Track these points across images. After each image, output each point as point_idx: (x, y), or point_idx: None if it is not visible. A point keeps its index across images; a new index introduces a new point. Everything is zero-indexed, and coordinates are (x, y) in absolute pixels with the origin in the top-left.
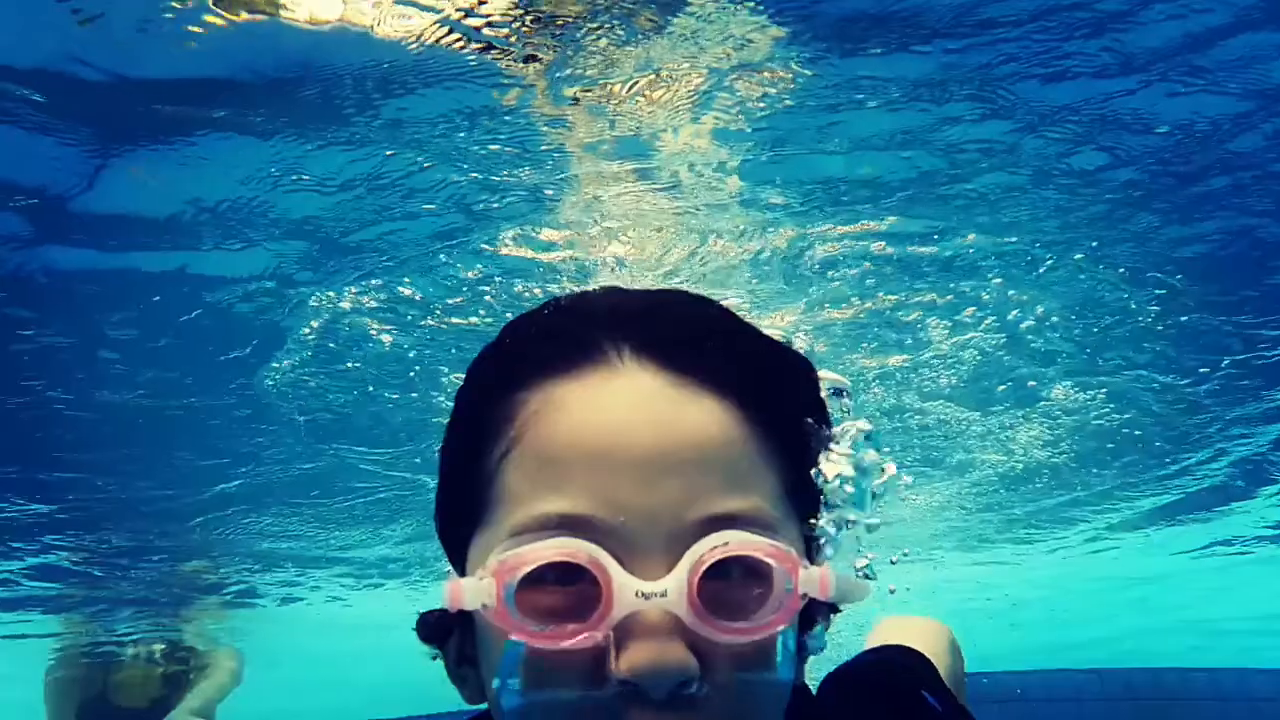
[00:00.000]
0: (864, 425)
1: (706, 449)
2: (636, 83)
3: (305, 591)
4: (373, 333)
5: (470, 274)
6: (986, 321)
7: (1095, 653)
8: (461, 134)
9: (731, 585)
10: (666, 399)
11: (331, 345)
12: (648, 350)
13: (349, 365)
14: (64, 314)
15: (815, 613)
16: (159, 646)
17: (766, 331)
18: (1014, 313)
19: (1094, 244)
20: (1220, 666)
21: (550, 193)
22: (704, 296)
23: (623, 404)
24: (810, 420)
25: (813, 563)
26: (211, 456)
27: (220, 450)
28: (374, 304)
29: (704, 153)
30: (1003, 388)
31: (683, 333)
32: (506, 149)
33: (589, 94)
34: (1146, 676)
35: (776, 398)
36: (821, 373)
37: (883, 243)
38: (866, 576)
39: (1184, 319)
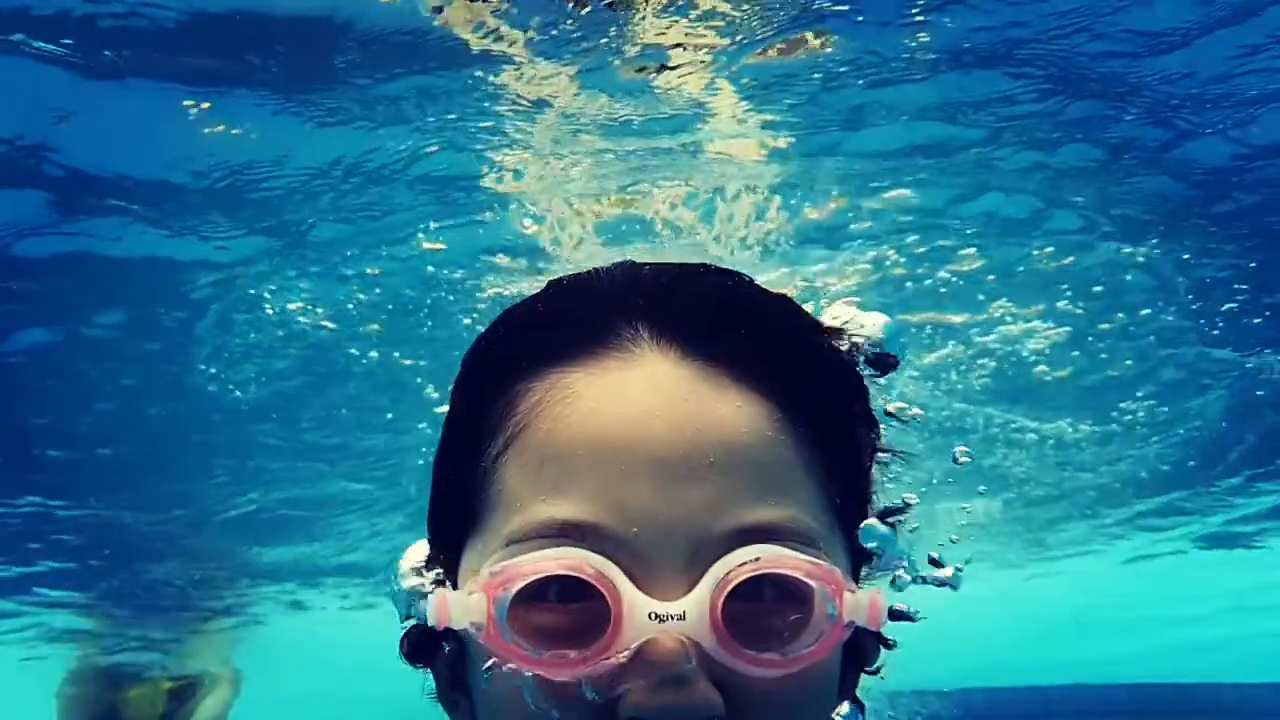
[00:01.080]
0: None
1: (736, 449)
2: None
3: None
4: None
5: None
6: None
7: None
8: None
9: (763, 609)
10: (690, 390)
11: None
12: (669, 332)
13: None
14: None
15: (862, 646)
16: (163, 664)
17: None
18: None
19: None
20: None
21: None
22: (734, 271)
23: (639, 395)
24: (859, 419)
25: (859, 585)
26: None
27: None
28: None
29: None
30: None
31: (710, 313)
32: None
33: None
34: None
35: (820, 391)
36: (863, 316)
37: None
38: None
39: None
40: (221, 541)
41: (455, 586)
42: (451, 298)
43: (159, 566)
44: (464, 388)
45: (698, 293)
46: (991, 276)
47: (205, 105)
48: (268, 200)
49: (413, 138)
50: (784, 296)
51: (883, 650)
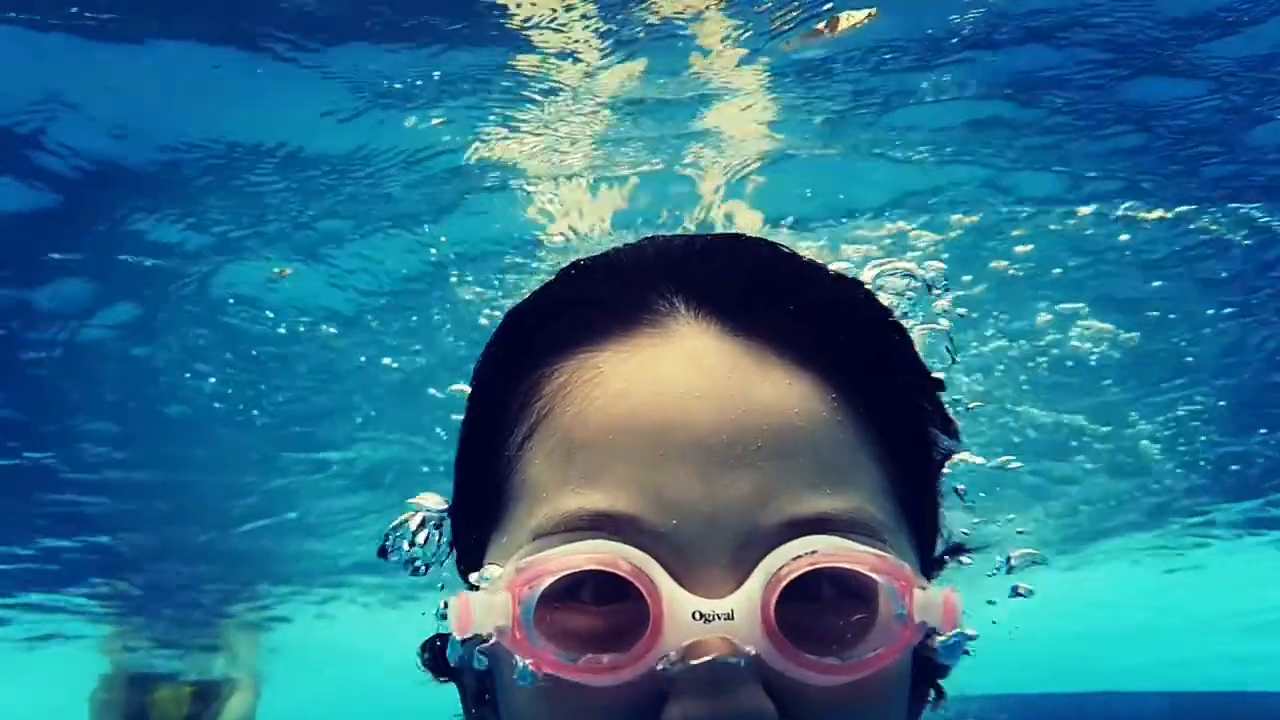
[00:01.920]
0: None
1: (787, 431)
2: None
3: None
4: None
5: None
6: None
7: None
8: None
9: (822, 609)
10: (733, 366)
11: None
12: (707, 303)
13: None
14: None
15: (934, 652)
16: (188, 668)
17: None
18: None
19: None
20: None
21: None
22: (770, 240)
23: (675, 373)
24: (922, 395)
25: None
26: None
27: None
28: None
29: None
30: None
31: (753, 281)
32: None
33: None
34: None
35: (879, 365)
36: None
37: None
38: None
39: None
40: (243, 547)
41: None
42: (469, 297)
43: (185, 570)
44: (484, 373)
45: (737, 260)
46: (1057, 270)
47: None
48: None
49: (417, 115)
50: (829, 267)
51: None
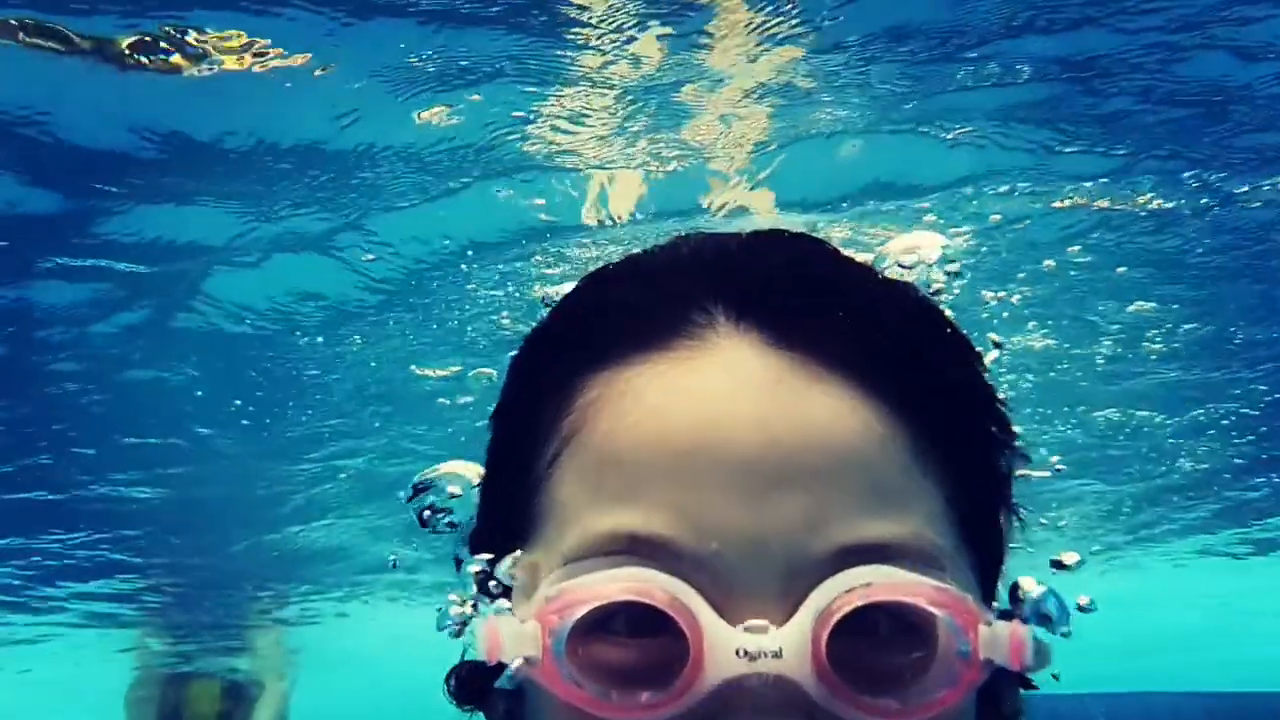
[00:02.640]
0: None
1: (837, 450)
2: None
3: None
4: None
5: None
6: None
7: None
8: None
9: (878, 645)
10: (778, 379)
11: None
12: (749, 312)
13: None
14: None
15: (1000, 688)
16: (221, 666)
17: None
18: None
19: None
20: None
21: None
22: (816, 238)
23: (715, 387)
24: (987, 411)
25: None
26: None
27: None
28: None
29: None
30: None
31: (799, 287)
32: None
33: None
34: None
35: (937, 378)
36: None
37: None
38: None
39: None
40: (275, 549)
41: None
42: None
43: (219, 568)
44: (511, 388)
45: (778, 264)
46: (1122, 269)
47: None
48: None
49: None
50: (882, 273)
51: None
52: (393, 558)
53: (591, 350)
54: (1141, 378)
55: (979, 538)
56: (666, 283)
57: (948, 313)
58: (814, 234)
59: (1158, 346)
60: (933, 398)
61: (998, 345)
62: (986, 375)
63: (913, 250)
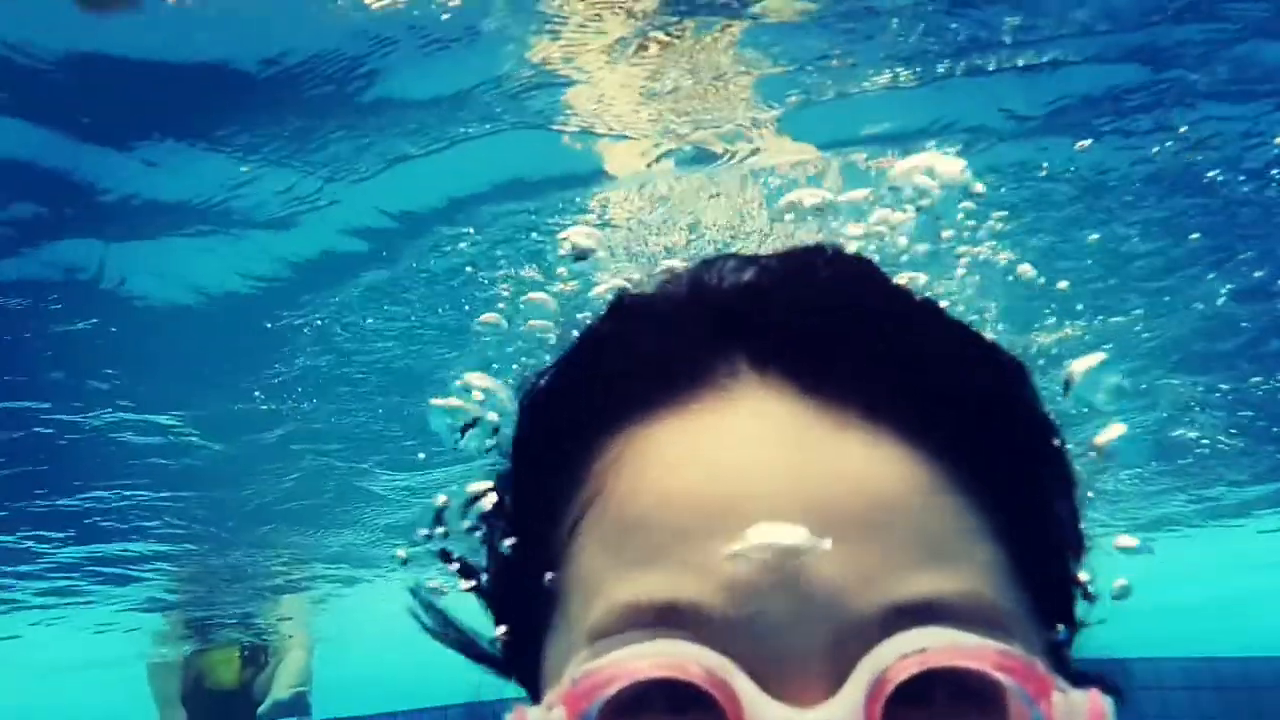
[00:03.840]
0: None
1: (880, 500)
2: None
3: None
4: None
5: None
6: None
7: None
8: None
9: (934, 716)
10: (808, 428)
11: None
12: (776, 361)
13: None
14: None
15: None
16: (242, 632)
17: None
18: None
19: None
20: None
21: None
22: (855, 257)
23: (742, 438)
24: (1047, 458)
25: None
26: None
27: None
28: None
29: None
30: None
31: (829, 329)
32: None
33: None
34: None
35: (988, 421)
36: None
37: None
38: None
39: None
40: (298, 523)
41: (536, 699)
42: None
43: (241, 535)
44: (524, 449)
45: (805, 304)
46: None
47: None
48: None
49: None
50: (922, 299)
51: None
52: (400, 554)
53: (609, 408)
54: None
55: (1045, 594)
56: (685, 330)
57: (996, 340)
58: (859, 256)
59: None
60: (984, 441)
61: (1067, 385)
62: (1045, 410)
63: (928, 168)
